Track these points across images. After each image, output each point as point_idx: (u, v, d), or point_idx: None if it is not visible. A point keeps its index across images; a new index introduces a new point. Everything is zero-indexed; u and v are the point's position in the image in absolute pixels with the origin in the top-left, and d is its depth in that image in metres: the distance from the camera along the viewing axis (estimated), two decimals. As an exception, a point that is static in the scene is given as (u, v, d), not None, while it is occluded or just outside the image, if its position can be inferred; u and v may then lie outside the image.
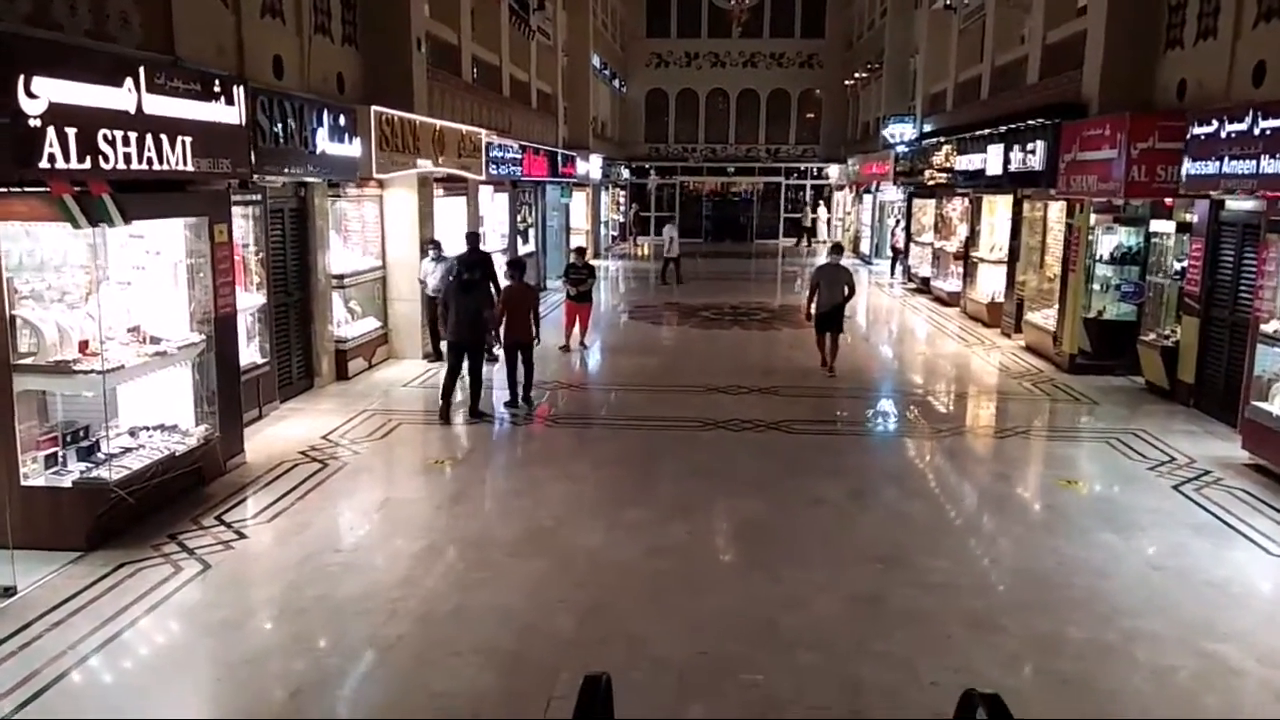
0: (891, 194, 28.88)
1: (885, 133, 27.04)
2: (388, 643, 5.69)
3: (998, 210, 18.69)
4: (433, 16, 15.33)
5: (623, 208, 39.57)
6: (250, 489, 8.39)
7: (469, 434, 10.92)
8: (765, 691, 5.14)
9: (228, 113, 7.82)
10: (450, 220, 16.43)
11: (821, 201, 41.20)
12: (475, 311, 10.79)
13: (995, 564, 7.02)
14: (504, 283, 12.44)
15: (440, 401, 11.07)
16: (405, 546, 7.24)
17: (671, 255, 24.80)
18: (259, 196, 10.31)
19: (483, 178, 16.98)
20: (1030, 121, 14.63)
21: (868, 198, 32.42)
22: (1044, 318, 15.06)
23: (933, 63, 24.03)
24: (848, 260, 14.88)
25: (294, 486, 8.49)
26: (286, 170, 9.10)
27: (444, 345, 11.71)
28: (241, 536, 7.34)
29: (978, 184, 18.15)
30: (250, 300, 10.42)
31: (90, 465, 7.12)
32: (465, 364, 11.04)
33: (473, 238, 12.53)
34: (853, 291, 13.36)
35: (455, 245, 14.58)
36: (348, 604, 6.21)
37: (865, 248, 31.52)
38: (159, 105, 6.95)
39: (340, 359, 12.72)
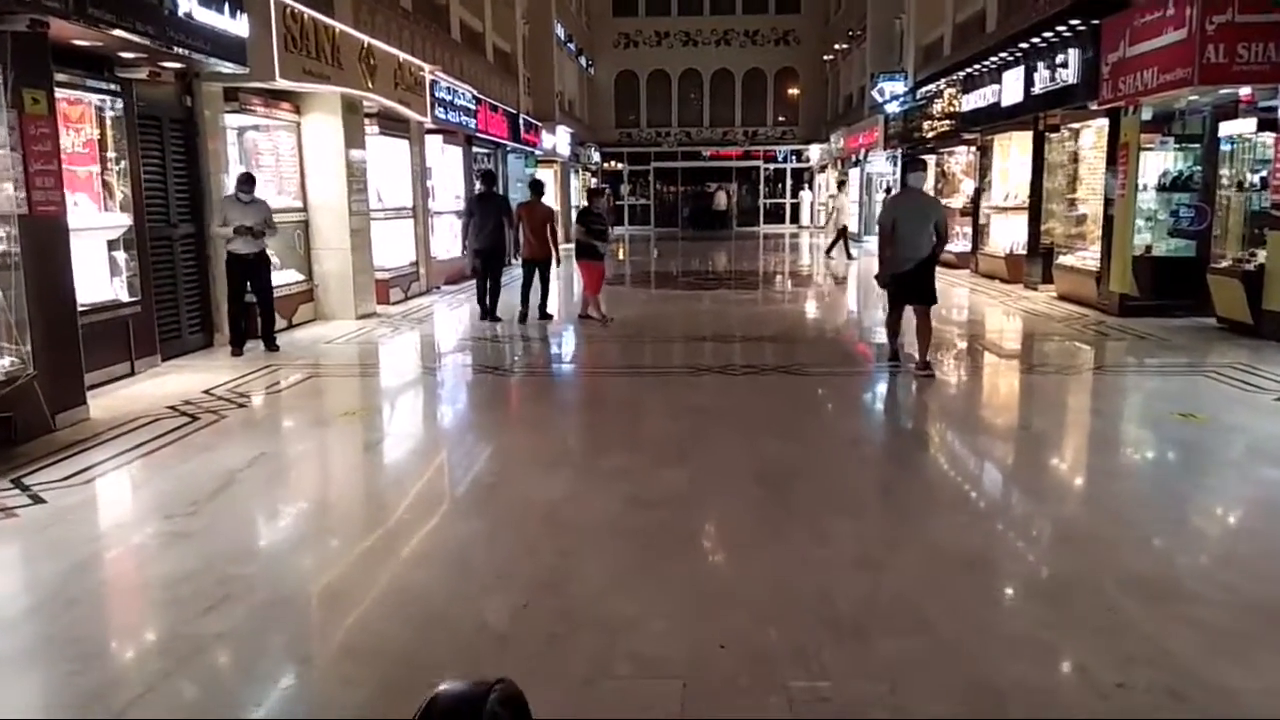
0: (880, 164, 26.88)
1: (873, 92, 25.03)
2: (195, 646, 3.40)
3: (1011, 154, 16.67)
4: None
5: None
6: (82, 445, 6.08)
7: (409, 381, 8.90)
8: (838, 706, 2.92)
9: (19, -90, 5.54)
10: (390, 166, 14.21)
11: (805, 185, 39.17)
12: (495, 221, 11.68)
13: (1142, 509, 4.83)
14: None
15: (478, 305, 11.97)
16: (271, 510, 4.98)
17: (844, 225, 22.42)
18: (117, 87, 8.01)
19: (427, 120, 14.71)
20: (1060, 28, 12.58)
21: (854, 173, 30.42)
22: (1080, 260, 12.99)
23: (925, 9, 22.06)
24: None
25: (143, 443, 6.20)
26: (128, 24, 6.72)
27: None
28: (37, 502, 5.02)
29: (991, 121, 16.10)
30: (106, 219, 8.13)
31: None
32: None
33: (488, 176, 12.63)
34: (944, 237, 8.16)
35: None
36: (155, 588, 3.95)
37: (855, 226, 29.48)
38: None
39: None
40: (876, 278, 8.31)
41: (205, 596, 3.79)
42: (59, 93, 7.40)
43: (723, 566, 4.07)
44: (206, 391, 7.72)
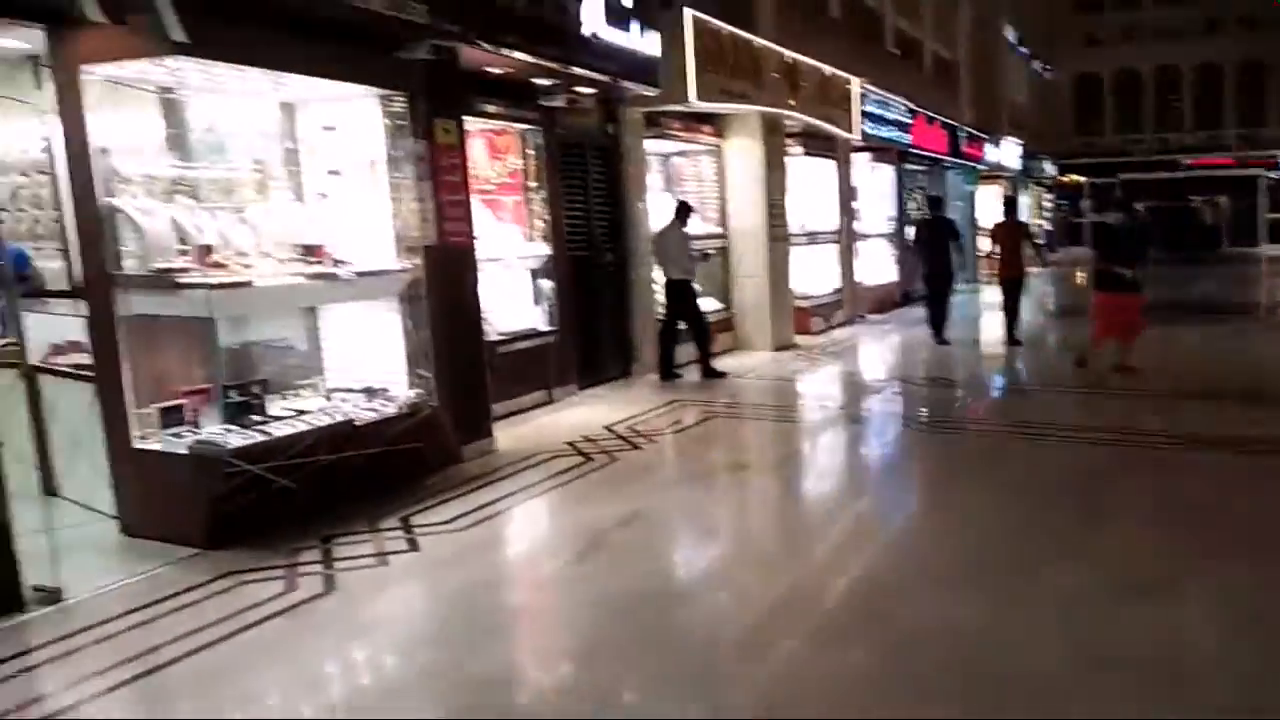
0: None
1: None
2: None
3: None
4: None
5: (1049, 213, 33.55)
6: (477, 482, 5.92)
7: (817, 429, 7.84)
8: None
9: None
10: (814, 188, 13.38)
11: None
12: (944, 244, 11.56)
13: None
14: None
15: (930, 328, 11.61)
16: (620, 592, 4.17)
17: None
18: (539, 116, 8.03)
19: (856, 137, 13.69)
20: None
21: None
22: None
23: None
24: None
25: (527, 486, 5.91)
26: (531, 46, 6.44)
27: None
28: (411, 549, 4.81)
29: None
30: (528, 248, 8.17)
31: (232, 430, 4.99)
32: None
33: (934, 201, 12.87)
34: None
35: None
36: (471, 688, 3.32)
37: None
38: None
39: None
40: None
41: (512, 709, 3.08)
42: (485, 124, 7.61)
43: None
44: (607, 427, 7.37)
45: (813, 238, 13.24)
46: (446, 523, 5.16)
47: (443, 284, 6.17)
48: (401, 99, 5.79)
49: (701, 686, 3.27)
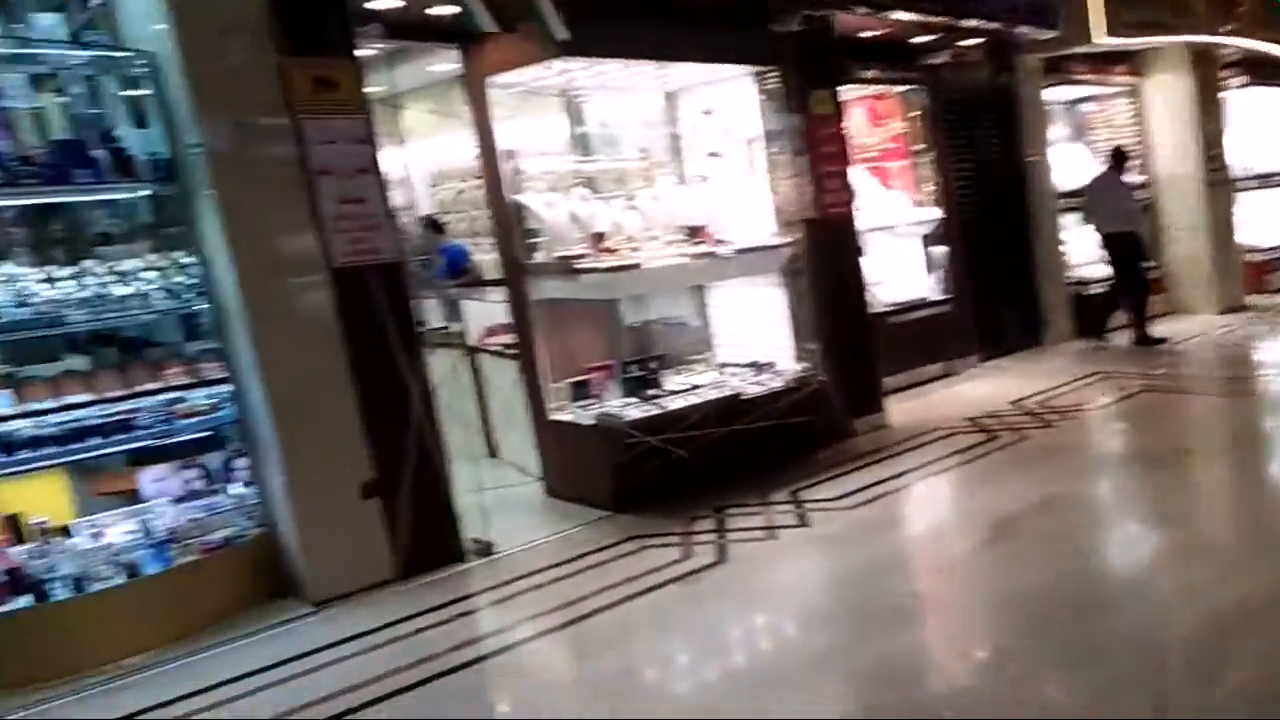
0: None
1: None
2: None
3: None
4: None
5: None
6: (868, 459, 5.75)
7: (1271, 405, 6.52)
8: None
9: None
10: (1264, 123, 11.36)
11: None
12: None
13: None
14: None
15: None
16: (1035, 587, 3.71)
17: None
18: (921, 76, 7.63)
19: (1317, 56, 11.34)
20: None
21: None
22: None
23: None
24: None
25: (923, 463, 5.60)
26: (907, 2, 6.11)
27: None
28: (801, 524, 4.75)
29: None
30: (916, 214, 7.82)
31: (631, 403, 5.32)
32: None
33: None
34: None
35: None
36: (876, 679, 3.18)
37: None
38: None
39: (1080, 307, 9.10)
40: None
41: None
42: (863, 90, 7.43)
43: None
44: (1014, 402, 6.79)
45: (1264, 181, 11.22)
46: (837, 499, 5.05)
47: (823, 257, 6.07)
48: (775, 75, 5.80)
49: (1143, 708, 2.81)
